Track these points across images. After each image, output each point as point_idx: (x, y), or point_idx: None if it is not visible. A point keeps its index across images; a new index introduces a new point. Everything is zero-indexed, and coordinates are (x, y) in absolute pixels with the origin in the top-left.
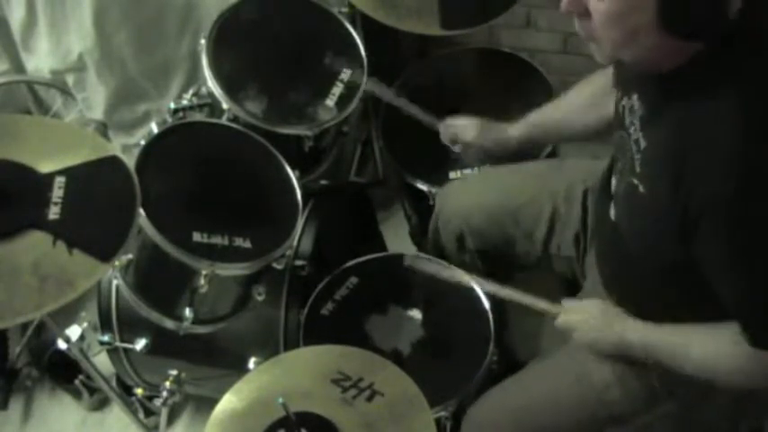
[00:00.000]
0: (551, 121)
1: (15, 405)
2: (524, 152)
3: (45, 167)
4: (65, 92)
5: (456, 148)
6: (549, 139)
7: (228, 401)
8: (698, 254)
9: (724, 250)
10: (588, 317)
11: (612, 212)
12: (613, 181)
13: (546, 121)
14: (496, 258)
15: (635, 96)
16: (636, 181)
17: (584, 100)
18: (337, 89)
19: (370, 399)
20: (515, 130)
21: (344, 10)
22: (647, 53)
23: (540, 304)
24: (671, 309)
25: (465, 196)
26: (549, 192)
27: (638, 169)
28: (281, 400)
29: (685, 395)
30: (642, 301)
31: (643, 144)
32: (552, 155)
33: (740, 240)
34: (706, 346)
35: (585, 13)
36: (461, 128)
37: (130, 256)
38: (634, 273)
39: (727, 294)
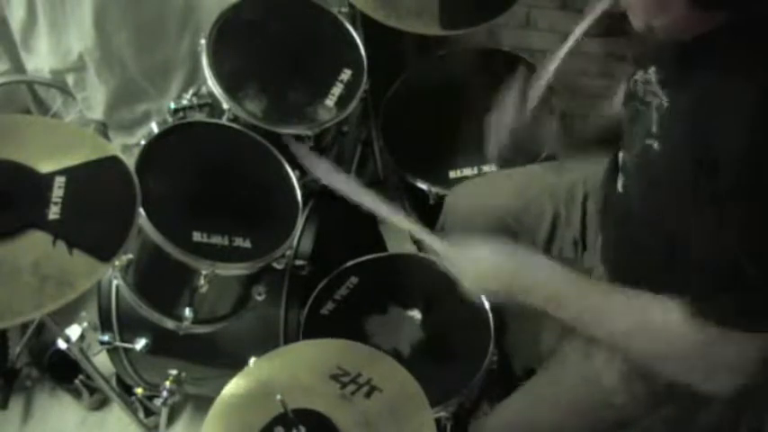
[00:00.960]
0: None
1: (15, 405)
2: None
3: (45, 167)
4: (65, 92)
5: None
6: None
7: (227, 395)
8: (695, 209)
9: (719, 210)
10: (479, 253)
11: (620, 184)
12: (620, 155)
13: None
14: None
15: (652, 69)
16: (651, 141)
17: None
18: (337, 89)
19: (368, 395)
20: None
21: (344, 10)
22: (676, 21)
23: (423, 235)
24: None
25: (471, 201)
26: (551, 193)
27: (654, 129)
28: (279, 396)
29: (685, 398)
30: (646, 283)
31: (665, 104)
32: (551, 156)
33: (738, 205)
34: (634, 309)
35: None
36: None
37: (130, 256)
38: (640, 249)
39: (699, 254)
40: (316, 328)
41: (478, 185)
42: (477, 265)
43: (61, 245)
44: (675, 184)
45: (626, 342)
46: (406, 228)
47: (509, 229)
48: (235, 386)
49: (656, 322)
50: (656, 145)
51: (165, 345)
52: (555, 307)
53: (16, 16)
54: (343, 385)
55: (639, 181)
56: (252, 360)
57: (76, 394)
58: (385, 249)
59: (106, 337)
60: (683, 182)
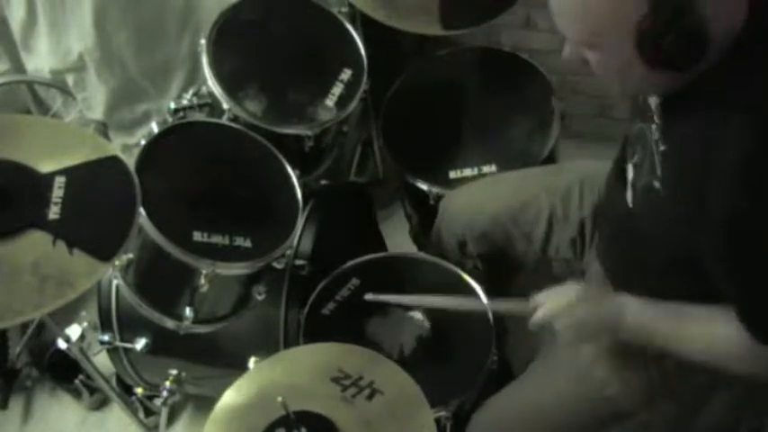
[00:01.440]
0: None
1: (15, 405)
2: None
3: (45, 167)
4: (65, 92)
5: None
6: None
7: (229, 399)
8: (709, 256)
9: (735, 260)
10: (570, 300)
11: (629, 199)
12: (630, 170)
13: None
14: (497, 262)
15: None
16: (657, 183)
17: None
18: (337, 89)
19: (370, 397)
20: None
21: (344, 10)
22: (646, 81)
23: (512, 306)
24: (674, 299)
25: (467, 202)
26: (548, 193)
27: (658, 171)
28: (280, 398)
29: (685, 395)
30: (645, 288)
31: (662, 147)
32: (551, 155)
33: (751, 252)
34: (704, 329)
35: (585, 62)
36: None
37: (130, 255)
38: (644, 258)
39: (733, 293)
40: (316, 329)
41: (474, 188)
42: (575, 325)
43: (61, 245)
44: (685, 229)
45: (703, 359)
46: (501, 309)
47: (505, 231)
48: (236, 389)
49: (722, 343)
50: (662, 192)
51: (165, 345)
52: (646, 339)
53: (16, 16)
54: (345, 388)
55: (648, 211)
56: (252, 360)
57: (76, 394)
58: (385, 249)
59: (106, 337)
60: (691, 230)
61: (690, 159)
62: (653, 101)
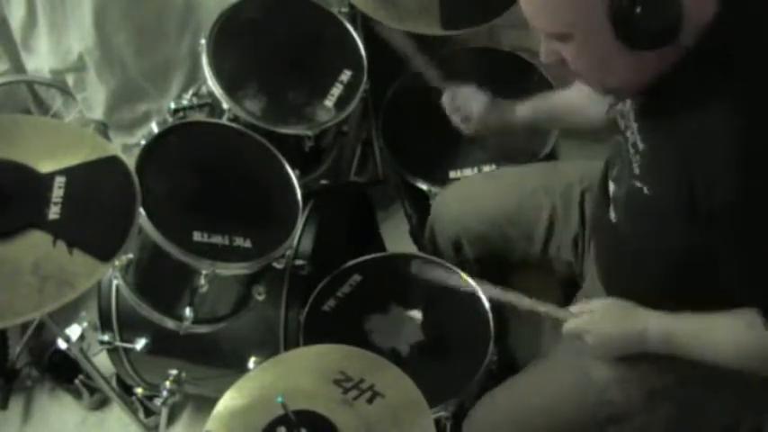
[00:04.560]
0: (556, 108)
1: (15, 405)
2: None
3: (45, 167)
4: (65, 92)
5: (455, 118)
6: (551, 125)
7: (230, 399)
8: (712, 249)
9: (737, 247)
10: (599, 316)
11: (612, 215)
12: (611, 186)
13: (552, 108)
14: (494, 263)
15: (628, 101)
16: (638, 183)
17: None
18: (336, 90)
19: (370, 400)
20: (521, 111)
21: (344, 10)
22: (627, 73)
23: (548, 309)
24: (671, 307)
25: (460, 203)
26: (547, 192)
27: (636, 171)
28: (280, 398)
29: (684, 396)
30: (641, 300)
31: (641, 146)
32: (551, 155)
33: (751, 239)
34: (728, 335)
35: (563, 61)
36: (467, 100)
37: (130, 255)
38: (635, 273)
39: (743, 285)
40: (317, 325)
41: (466, 188)
42: (605, 340)
43: (61, 245)
44: (674, 227)
45: (735, 365)
46: (540, 309)
47: (503, 230)
48: (237, 390)
49: (748, 345)
50: (645, 189)
51: (165, 345)
52: (674, 351)
53: (16, 16)
54: (346, 390)
55: (632, 219)
56: (252, 360)
57: (76, 394)
58: (384, 249)
59: (106, 337)
60: (682, 225)
61: (672, 154)
62: (628, 106)
